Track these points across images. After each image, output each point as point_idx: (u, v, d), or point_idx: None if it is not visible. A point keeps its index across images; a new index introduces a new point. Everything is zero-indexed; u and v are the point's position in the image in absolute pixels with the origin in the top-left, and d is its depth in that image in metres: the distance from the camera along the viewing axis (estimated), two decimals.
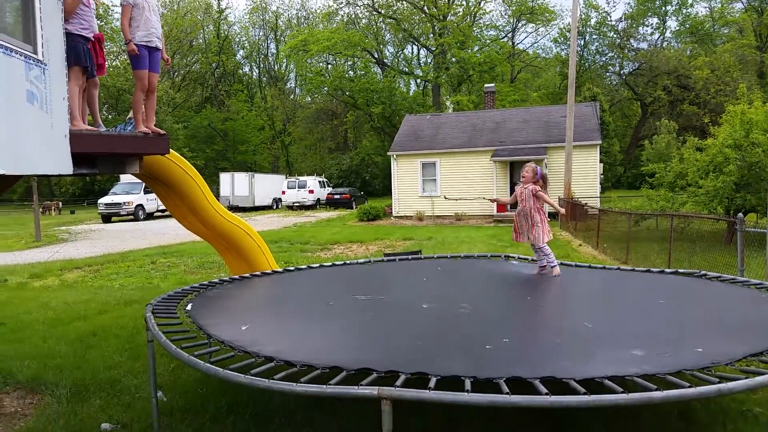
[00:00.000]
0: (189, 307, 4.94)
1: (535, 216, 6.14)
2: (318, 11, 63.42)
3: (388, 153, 28.54)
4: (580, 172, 23.85)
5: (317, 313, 4.92)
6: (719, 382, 2.88)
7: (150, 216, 31.83)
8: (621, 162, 46.97)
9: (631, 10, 56.01)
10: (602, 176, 29.06)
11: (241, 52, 67.03)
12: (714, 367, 3.22)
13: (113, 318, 7.74)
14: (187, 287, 5.81)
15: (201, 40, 61.35)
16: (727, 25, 54.58)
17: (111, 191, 32.23)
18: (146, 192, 30.21)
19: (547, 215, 6.31)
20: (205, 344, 4.07)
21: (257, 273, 6.85)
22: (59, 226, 27.83)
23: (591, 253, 13.36)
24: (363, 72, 52.86)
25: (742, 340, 3.72)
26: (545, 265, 6.23)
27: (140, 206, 30.87)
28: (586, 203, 18.39)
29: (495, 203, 6.52)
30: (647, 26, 57.05)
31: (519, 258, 7.66)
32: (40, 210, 26.37)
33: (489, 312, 5.01)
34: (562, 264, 7.25)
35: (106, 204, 30.44)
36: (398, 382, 3.01)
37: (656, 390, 2.79)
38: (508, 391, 2.87)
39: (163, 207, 28.01)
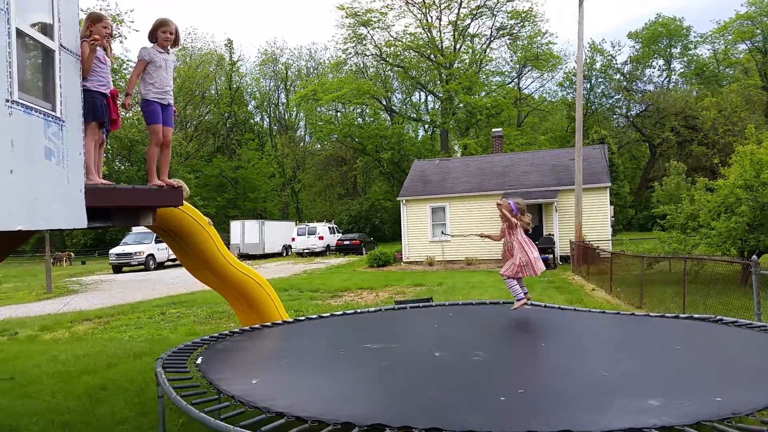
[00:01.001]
0: (199, 361, 4.91)
1: (513, 248, 6.37)
2: (327, 62, 64.88)
3: (398, 198, 28.67)
4: (591, 215, 23.79)
5: (328, 364, 4.88)
6: None
7: (161, 265, 31.94)
8: (631, 204, 46.90)
9: (636, 53, 56.86)
10: (613, 218, 28.95)
11: (253, 102, 68.38)
12: (734, 418, 3.14)
13: (122, 371, 7.69)
14: (197, 340, 5.79)
15: (213, 92, 62.64)
16: (732, 66, 55.22)
17: (122, 241, 32.45)
18: (157, 241, 30.40)
19: (529, 249, 6.35)
20: (216, 399, 4.03)
21: (267, 324, 6.82)
22: (70, 277, 27.96)
23: (605, 298, 13.20)
24: (372, 119, 53.63)
25: (763, 388, 3.63)
26: (522, 299, 6.45)
27: (151, 256, 31.01)
28: (597, 246, 18.28)
29: (487, 238, 6.63)
30: (653, 68, 57.84)
31: (532, 304, 7.58)
32: (52, 261, 26.52)
33: (503, 361, 4.94)
34: (576, 310, 7.18)
35: (117, 254, 30.62)
36: None
37: None
38: None
39: (173, 256, 28.15)
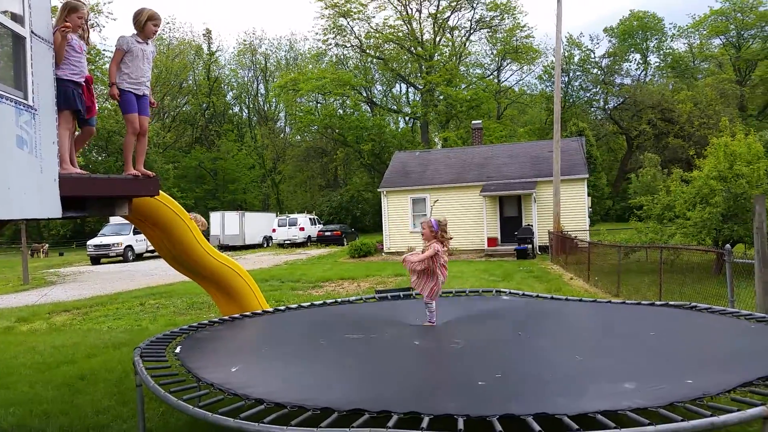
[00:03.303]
0: (178, 350, 4.90)
1: (433, 271, 5.95)
2: (306, 53, 64.48)
3: (378, 189, 28.69)
4: (569, 206, 24.03)
5: (309, 352, 4.89)
6: (712, 415, 2.88)
7: (139, 257, 31.64)
8: (609, 195, 47.40)
9: (613, 48, 57.35)
10: (591, 209, 29.27)
11: (231, 92, 67.76)
12: (706, 398, 3.22)
13: (102, 361, 7.63)
14: (176, 329, 5.77)
15: (191, 82, 61.95)
16: (707, 60, 56.06)
17: (100, 232, 32.09)
18: (135, 233, 30.11)
19: (444, 272, 5.99)
20: (195, 388, 4.02)
21: (247, 313, 6.81)
22: (48, 268, 27.58)
23: (582, 287, 13.37)
24: (353, 110, 53.48)
25: (733, 370, 3.73)
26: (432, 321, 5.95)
27: (129, 247, 30.71)
28: (575, 236, 18.48)
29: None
30: (630, 62, 58.42)
31: (510, 293, 7.67)
32: (28, 253, 26.12)
33: (481, 348, 5.00)
34: (553, 298, 7.27)
35: (95, 245, 30.27)
36: (390, 423, 2.98)
37: (649, 424, 2.78)
38: (501, 429, 2.86)
39: (152, 247, 27.93)
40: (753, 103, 52.90)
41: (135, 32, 5.21)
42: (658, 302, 6.64)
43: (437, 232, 5.93)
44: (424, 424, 2.95)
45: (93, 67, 39.12)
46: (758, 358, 4.02)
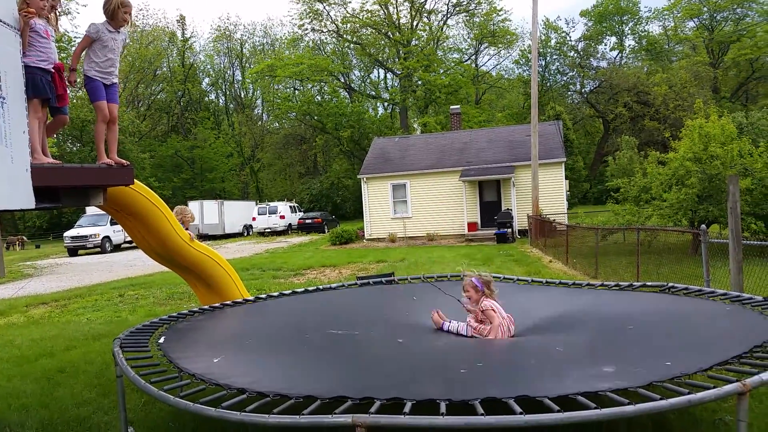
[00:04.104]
0: (161, 340, 4.85)
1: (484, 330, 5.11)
2: (283, 38, 63.85)
3: (358, 176, 28.62)
4: (547, 189, 24.22)
5: (290, 341, 4.87)
6: (689, 393, 2.93)
7: (117, 248, 31.29)
8: (586, 178, 47.84)
9: (589, 31, 57.65)
10: (568, 192, 29.53)
11: (207, 79, 66.94)
12: (684, 377, 3.27)
13: (81, 353, 7.54)
14: (156, 320, 5.71)
15: (165, 69, 61.04)
16: (681, 43, 56.65)
17: (77, 224, 31.65)
18: (113, 223, 29.76)
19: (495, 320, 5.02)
20: (176, 378, 3.99)
21: (228, 302, 6.76)
22: (24, 261, 27.16)
23: (561, 269, 13.51)
24: (331, 97, 53.18)
25: (710, 350, 3.79)
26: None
27: (107, 238, 30.35)
28: (554, 220, 18.64)
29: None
30: (605, 45, 58.84)
31: (493, 277, 7.69)
32: (4, 245, 25.64)
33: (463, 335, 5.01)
34: (533, 281, 7.33)
35: (72, 237, 29.86)
36: (373, 409, 2.99)
37: (628, 404, 2.82)
38: (483, 412, 2.87)
39: (130, 238, 27.62)
40: (726, 85, 53.71)
41: (106, 20, 5.09)
42: (635, 283, 6.71)
43: (482, 290, 5.24)
44: (407, 409, 2.96)
45: (65, 54, 38.32)
46: (733, 336, 4.09)
